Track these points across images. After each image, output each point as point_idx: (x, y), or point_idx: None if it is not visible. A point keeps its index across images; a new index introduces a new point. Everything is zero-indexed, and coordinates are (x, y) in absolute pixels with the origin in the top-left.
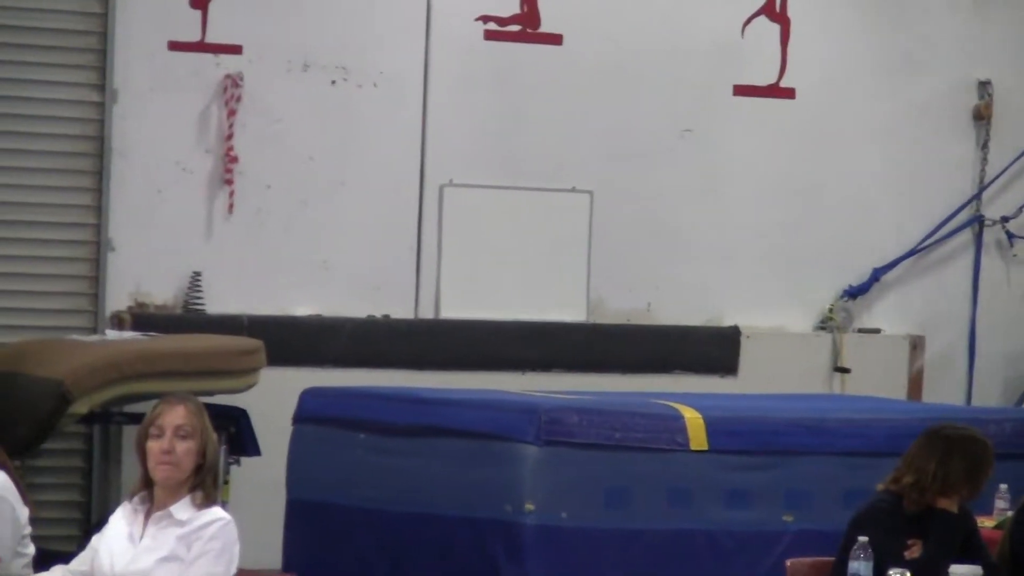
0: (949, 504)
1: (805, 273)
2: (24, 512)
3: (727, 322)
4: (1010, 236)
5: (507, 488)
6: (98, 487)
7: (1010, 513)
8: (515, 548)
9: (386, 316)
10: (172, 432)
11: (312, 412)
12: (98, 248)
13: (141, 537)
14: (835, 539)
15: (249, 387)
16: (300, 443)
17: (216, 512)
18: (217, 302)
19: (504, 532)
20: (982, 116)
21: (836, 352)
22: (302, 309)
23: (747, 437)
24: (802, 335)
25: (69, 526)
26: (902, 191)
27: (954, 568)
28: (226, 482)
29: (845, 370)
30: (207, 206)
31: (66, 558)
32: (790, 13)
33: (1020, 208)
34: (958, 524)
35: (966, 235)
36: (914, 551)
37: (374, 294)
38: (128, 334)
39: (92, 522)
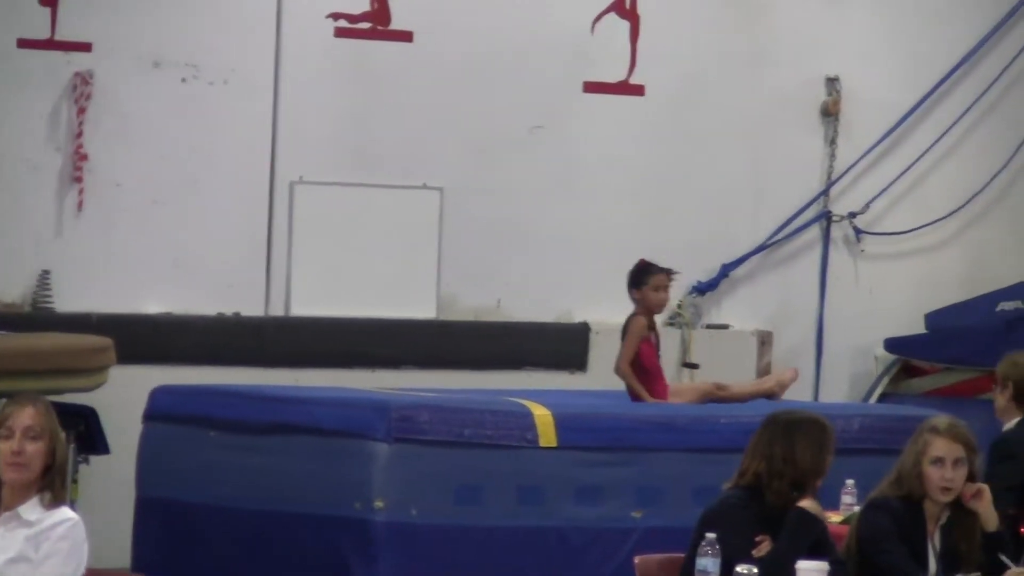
0: (810, 505)
1: None
2: None
3: (577, 318)
4: (857, 232)
5: (357, 485)
6: None
7: (856, 508)
8: (365, 545)
9: (236, 314)
10: (22, 433)
11: (162, 410)
12: None
13: None
14: (685, 535)
15: (98, 385)
16: (150, 441)
17: (65, 512)
18: (66, 300)
19: (354, 529)
20: (830, 112)
21: (685, 348)
22: (152, 307)
23: (597, 434)
24: None
25: None
26: (751, 187)
27: (801, 564)
28: (75, 481)
29: (694, 366)
30: (57, 204)
31: None
32: (640, 10)
33: (867, 204)
34: (812, 522)
35: (814, 231)
36: (762, 548)
37: (225, 292)
38: None
39: None
